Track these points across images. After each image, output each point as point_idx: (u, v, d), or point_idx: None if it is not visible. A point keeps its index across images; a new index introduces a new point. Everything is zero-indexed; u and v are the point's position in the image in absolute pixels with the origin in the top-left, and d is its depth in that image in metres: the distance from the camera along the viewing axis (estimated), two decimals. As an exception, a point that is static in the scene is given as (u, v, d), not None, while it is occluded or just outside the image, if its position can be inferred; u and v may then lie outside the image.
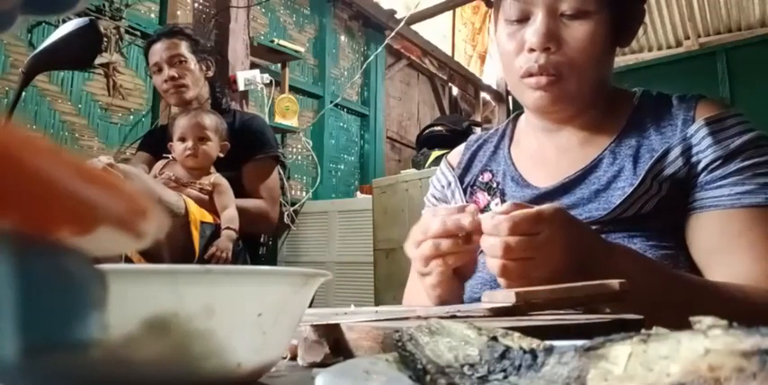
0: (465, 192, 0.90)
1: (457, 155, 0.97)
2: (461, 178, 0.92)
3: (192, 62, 1.86)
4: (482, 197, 0.87)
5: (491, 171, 0.89)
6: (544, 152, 0.86)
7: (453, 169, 0.94)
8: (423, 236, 0.62)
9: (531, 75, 0.75)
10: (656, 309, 0.58)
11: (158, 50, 1.85)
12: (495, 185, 0.87)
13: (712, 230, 0.70)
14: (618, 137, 0.80)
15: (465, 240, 0.61)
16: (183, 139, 1.68)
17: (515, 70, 0.77)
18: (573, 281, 0.54)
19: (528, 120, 0.90)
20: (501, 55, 0.81)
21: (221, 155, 1.73)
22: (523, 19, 0.76)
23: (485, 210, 0.85)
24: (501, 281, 0.57)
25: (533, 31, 0.74)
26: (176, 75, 1.82)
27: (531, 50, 0.74)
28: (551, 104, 0.77)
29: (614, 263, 0.60)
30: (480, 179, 0.89)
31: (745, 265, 0.67)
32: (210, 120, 1.70)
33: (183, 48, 1.85)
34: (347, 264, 3.17)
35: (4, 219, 0.13)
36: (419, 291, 0.85)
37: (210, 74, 1.93)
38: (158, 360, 0.28)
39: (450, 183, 0.93)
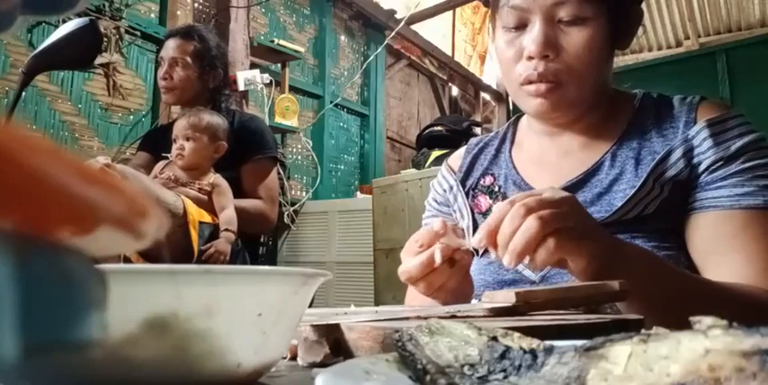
0: (467, 196, 0.90)
1: (458, 158, 0.96)
2: (463, 182, 0.91)
3: (192, 69, 1.83)
4: (483, 200, 0.87)
5: (492, 174, 0.89)
6: (546, 155, 0.85)
7: (454, 173, 0.93)
8: (406, 275, 0.64)
9: (530, 82, 0.75)
10: (656, 302, 0.59)
11: (168, 46, 1.85)
12: (496, 189, 0.86)
13: (710, 230, 0.71)
14: (619, 139, 0.80)
15: (450, 265, 0.63)
16: (175, 140, 1.68)
17: (515, 77, 0.77)
18: (604, 242, 0.59)
19: (529, 123, 0.90)
20: (500, 62, 0.81)
21: (217, 155, 1.71)
22: (521, 26, 0.75)
23: (486, 213, 0.85)
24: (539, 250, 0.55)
25: (531, 39, 0.73)
26: (170, 75, 1.82)
27: (530, 58, 0.74)
28: (551, 111, 0.77)
29: (620, 245, 0.62)
30: (482, 182, 0.89)
31: (739, 265, 0.68)
32: (201, 120, 1.68)
33: (190, 52, 1.83)
34: (347, 264, 3.17)
35: (4, 219, 0.13)
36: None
37: (213, 84, 1.88)
38: (158, 360, 0.28)
39: (451, 187, 0.92)
